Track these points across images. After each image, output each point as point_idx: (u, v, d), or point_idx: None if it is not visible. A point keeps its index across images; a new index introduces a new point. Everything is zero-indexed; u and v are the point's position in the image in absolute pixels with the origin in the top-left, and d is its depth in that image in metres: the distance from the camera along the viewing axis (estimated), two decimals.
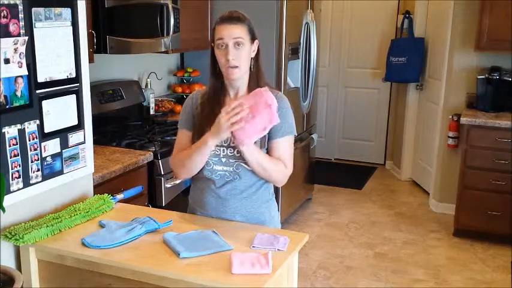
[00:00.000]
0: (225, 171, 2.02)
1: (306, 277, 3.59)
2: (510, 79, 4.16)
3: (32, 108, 1.92)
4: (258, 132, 1.89)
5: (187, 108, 2.09)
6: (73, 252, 1.79)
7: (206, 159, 1.99)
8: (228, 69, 1.96)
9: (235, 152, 2.00)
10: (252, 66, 2.02)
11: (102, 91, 3.34)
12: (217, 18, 1.99)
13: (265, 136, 1.99)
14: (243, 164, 2.00)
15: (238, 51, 1.94)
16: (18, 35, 1.82)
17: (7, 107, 1.82)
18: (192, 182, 2.15)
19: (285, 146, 2.05)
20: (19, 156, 1.88)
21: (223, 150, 2.01)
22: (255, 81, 2.03)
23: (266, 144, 2.03)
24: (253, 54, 2.01)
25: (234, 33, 1.93)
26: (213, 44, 1.99)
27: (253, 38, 2.00)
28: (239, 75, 1.98)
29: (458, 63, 4.50)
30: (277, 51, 3.99)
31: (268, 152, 2.04)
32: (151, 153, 2.91)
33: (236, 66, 1.95)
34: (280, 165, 2.02)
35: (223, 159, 2.01)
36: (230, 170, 2.02)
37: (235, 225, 2.01)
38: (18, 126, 1.88)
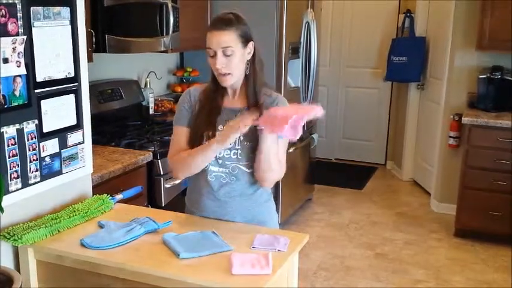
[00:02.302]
0: (220, 172, 2.00)
1: (306, 278, 3.58)
2: (511, 79, 4.15)
3: (30, 108, 1.91)
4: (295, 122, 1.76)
5: (184, 104, 2.05)
6: (72, 253, 1.78)
7: (209, 161, 1.97)
8: (219, 77, 1.94)
9: (231, 154, 1.99)
10: (248, 69, 1.97)
11: (101, 91, 3.33)
12: (210, 22, 1.96)
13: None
14: (240, 166, 1.99)
15: (228, 59, 1.90)
16: (17, 34, 1.81)
17: (5, 106, 1.81)
18: (189, 183, 2.13)
19: (282, 147, 2.03)
20: (18, 156, 1.87)
21: (220, 151, 1.99)
22: (252, 83, 1.99)
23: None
24: (248, 57, 1.96)
25: (221, 42, 1.88)
26: None
27: (247, 41, 1.93)
28: (231, 82, 1.95)
29: (460, 63, 4.49)
30: (277, 51, 3.98)
31: None
32: (151, 153, 2.90)
33: (227, 74, 1.92)
34: (279, 163, 2.00)
35: (220, 161, 2.00)
36: (226, 172, 2.00)
37: (235, 226, 2.00)
38: (17, 126, 1.87)
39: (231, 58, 1.90)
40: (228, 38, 1.88)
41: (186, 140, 2.01)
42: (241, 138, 1.96)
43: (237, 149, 1.98)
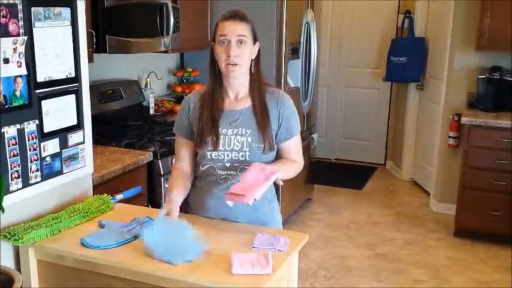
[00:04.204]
0: (229, 175, 2.01)
1: (306, 277, 3.58)
2: (511, 79, 4.15)
3: (31, 108, 1.91)
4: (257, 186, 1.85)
5: (182, 113, 2.09)
6: (72, 253, 1.79)
7: None
8: (228, 67, 1.94)
9: (239, 156, 1.99)
10: (252, 68, 2.01)
11: (101, 91, 3.33)
12: (221, 16, 1.99)
13: (271, 140, 2.00)
14: (247, 167, 1.99)
15: (241, 49, 1.93)
16: (18, 34, 1.81)
17: (6, 106, 1.81)
18: (193, 184, 2.14)
19: (294, 145, 2.07)
20: (18, 156, 1.88)
21: (228, 154, 1.99)
22: (257, 83, 2.02)
23: (274, 146, 2.03)
24: (253, 56, 2.00)
25: (237, 30, 1.92)
26: (213, 43, 1.98)
27: (255, 39, 1.99)
28: (239, 74, 1.97)
29: (459, 63, 4.50)
30: (277, 51, 3.99)
31: (280, 154, 2.06)
32: (151, 153, 2.90)
33: (237, 64, 1.93)
34: (296, 165, 2.07)
35: (228, 164, 2.00)
36: (234, 174, 2.00)
37: (236, 225, 2.00)
38: (18, 126, 1.87)
39: (244, 48, 1.93)
40: (243, 28, 1.94)
41: (183, 149, 2.10)
42: (250, 140, 1.97)
43: (245, 151, 1.98)
